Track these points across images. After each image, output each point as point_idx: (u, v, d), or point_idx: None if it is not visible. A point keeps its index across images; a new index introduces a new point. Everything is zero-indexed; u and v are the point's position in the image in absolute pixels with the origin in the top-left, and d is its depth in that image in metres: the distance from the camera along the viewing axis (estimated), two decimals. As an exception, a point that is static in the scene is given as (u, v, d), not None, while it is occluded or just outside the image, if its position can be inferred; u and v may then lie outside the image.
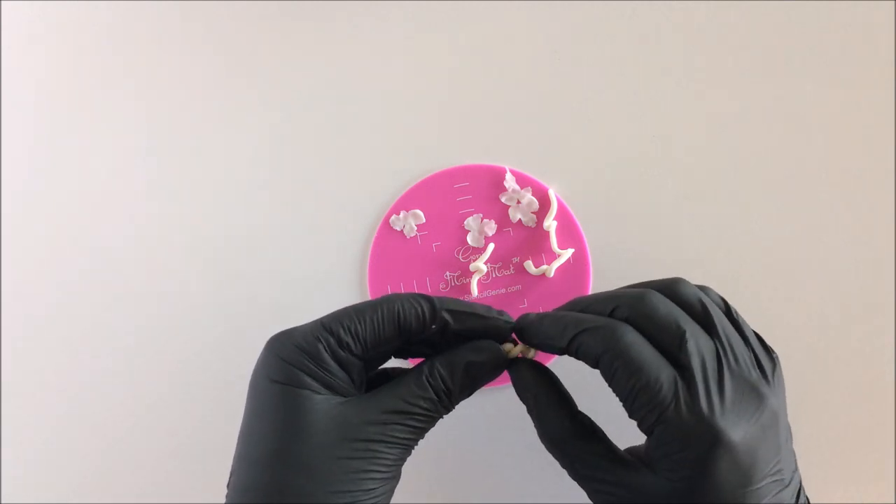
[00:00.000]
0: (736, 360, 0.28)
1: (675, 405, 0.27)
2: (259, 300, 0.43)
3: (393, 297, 0.30)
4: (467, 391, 0.30)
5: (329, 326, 0.29)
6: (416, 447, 0.30)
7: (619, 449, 0.30)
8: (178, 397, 0.43)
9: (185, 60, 0.45)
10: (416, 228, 0.42)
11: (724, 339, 0.28)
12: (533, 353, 0.32)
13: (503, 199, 0.42)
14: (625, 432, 0.31)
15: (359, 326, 0.29)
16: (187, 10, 0.45)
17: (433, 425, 0.30)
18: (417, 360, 0.31)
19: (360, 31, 0.44)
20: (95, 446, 0.44)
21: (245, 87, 0.45)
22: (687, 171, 0.42)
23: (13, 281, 0.45)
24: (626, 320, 0.29)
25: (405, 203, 0.42)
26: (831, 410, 0.40)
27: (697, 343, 0.28)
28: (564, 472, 0.30)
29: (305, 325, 0.30)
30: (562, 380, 0.31)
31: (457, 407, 0.31)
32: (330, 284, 0.43)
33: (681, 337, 0.27)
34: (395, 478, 0.29)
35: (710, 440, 0.26)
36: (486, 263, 0.41)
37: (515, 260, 0.41)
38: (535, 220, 0.42)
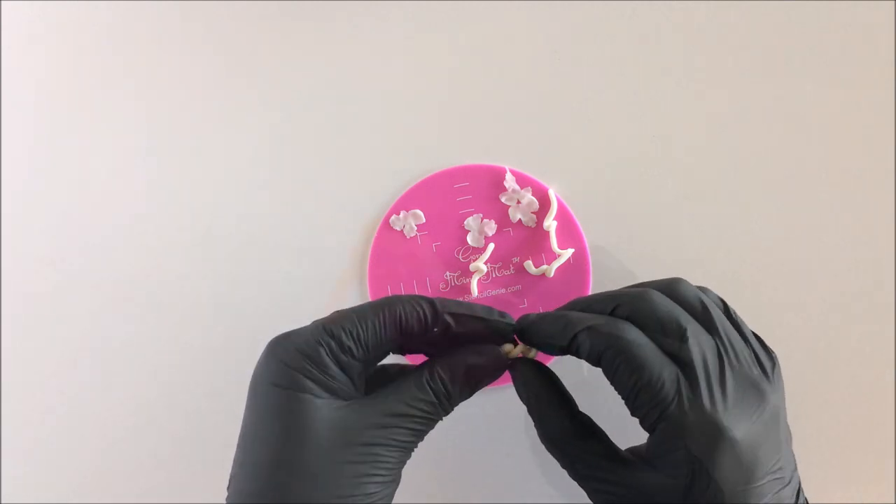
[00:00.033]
0: (737, 357, 0.28)
1: (678, 402, 0.27)
2: (259, 300, 0.43)
3: (394, 299, 0.30)
4: (467, 393, 0.30)
5: (330, 330, 0.29)
6: (415, 449, 0.30)
7: (619, 448, 0.30)
8: (177, 398, 0.43)
9: (184, 60, 0.45)
10: (416, 228, 0.42)
11: (724, 338, 0.28)
12: (534, 354, 0.32)
13: (503, 199, 0.42)
14: (625, 432, 0.31)
15: (360, 330, 0.29)
16: (187, 10, 0.45)
17: (433, 427, 0.30)
18: (414, 356, 0.31)
19: (360, 31, 0.44)
20: (95, 446, 0.44)
21: (245, 87, 0.45)
22: (687, 171, 0.42)
23: (13, 281, 0.45)
24: (628, 319, 0.29)
25: (405, 203, 0.42)
26: (831, 410, 0.40)
27: (699, 341, 0.28)
28: (564, 472, 0.30)
29: (306, 327, 0.30)
30: (562, 380, 0.31)
31: (457, 407, 0.31)
32: (330, 284, 0.43)
33: (682, 334, 0.28)
34: (396, 481, 0.29)
35: (712, 437, 0.26)
36: (486, 263, 0.41)
37: (515, 260, 0.41)
38: (535, 220, 0.42)
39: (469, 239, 0.42)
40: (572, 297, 0.39)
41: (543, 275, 0.41)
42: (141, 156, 0.45)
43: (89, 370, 0.44)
